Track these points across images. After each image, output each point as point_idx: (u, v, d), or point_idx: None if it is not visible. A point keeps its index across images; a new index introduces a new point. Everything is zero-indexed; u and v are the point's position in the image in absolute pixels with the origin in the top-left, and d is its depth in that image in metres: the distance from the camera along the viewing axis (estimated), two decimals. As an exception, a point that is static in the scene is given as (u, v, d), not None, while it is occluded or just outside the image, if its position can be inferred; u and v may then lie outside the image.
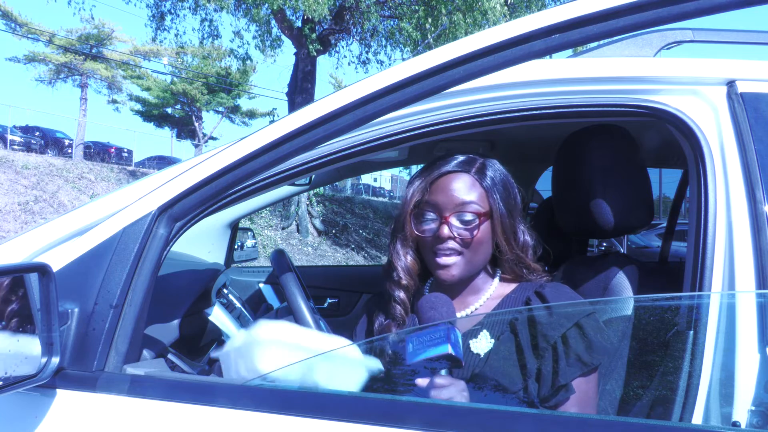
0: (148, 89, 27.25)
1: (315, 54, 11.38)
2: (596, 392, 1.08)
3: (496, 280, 1.21)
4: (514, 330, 1.08)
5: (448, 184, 1.14)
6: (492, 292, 1.19)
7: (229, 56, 13.94)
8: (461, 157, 1.17)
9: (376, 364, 0.97)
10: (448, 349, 0.92)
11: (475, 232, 1.12)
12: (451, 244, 1.12)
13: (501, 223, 1.15)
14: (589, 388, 1.06)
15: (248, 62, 13.46)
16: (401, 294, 1.19)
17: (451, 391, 0.95)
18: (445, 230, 1.11)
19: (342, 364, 0.97)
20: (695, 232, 0.99)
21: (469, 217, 1.12)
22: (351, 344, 1.01)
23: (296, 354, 0.97)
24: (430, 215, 1.14)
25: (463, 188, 1.13)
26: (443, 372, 0.96)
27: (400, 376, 1.08)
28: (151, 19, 12.34)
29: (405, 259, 1.19)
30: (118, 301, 0.96)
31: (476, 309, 1.17)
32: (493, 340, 1.09)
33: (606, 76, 1.08)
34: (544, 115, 1.09)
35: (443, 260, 1.12)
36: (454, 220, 1.12)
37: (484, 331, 1.10)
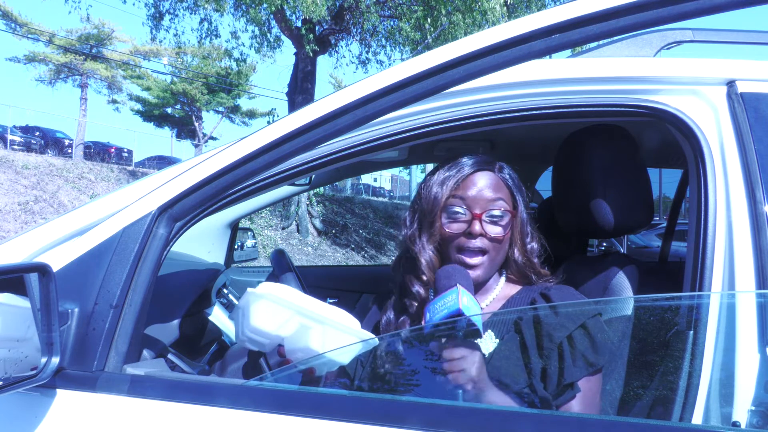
0: (148, 89, 27.25)
1: (312, 55, 11.36)
2: (599, 391, 1.09)
3: (503, 279, 1.22)
4: (519, 330, 1.08)
5: (478, 182, 1.16)
6: (498, 292, 1.20)
7: (226, 58, 13.96)
8: (481, 157, 1.19)
9: (371, 338, 0.98)
10: (459, 309, 0.92)
11: (507, 231, 1.14)
12: (480, 242, 1.13)
13: (521, 223, 1.18)
14: (594, 389, 1.07)
15: (244, 64, 13.45)
16: (421, 290, 1.19)
17: (467, 361, 0.94)
18: (477, 227, 1.12)
19: (336, 329, 0.98)
20: (695, 232, 0.99)
21: (499, 214, 1.14)
22: (346, 313, 1.01)
23: (288, 312, 0.98)
24: (461, 213, 1.15)
25: (493, 186, 1.16)
26: (458, 345, 0.96)
27: (404, 372, 1.08)
28: (149, 18, 12.32)
29: (429, 255, 1.19)
30: (118, 301, 0.96)
31: (482, 309, 1.17)
32: (497, 340, 1.09)
33: (606, 76, 1.08)
34: (544, 115, 1.09)
35: (472, 260, 1.13)
36: (484, 218, 1.13)
37: (489, 331, 1.11)
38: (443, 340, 0.96)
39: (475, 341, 0.99)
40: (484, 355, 0.99)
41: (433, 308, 0.97)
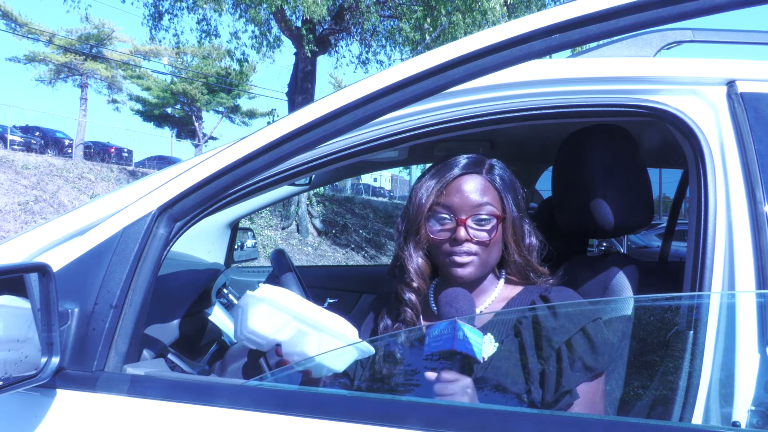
0: (148, 89, 27.25)
1: (310, 55, 11.36)
2: (602, 397, 1.08)
3: (501, 281, 1.21)
4: (519, 334, 1.08)
5: (463, 186, 1.14)
6: (497, 294, 1.19)
7: (226, 58, 13.99)
8: (470, 158, 1.17)
9: (366, 346, 0.98)
10: (453, 346, 0.93)
11: (492, 234, 1.13)
12: (467, 246, 1.12)
13: (512, 224, 1.16)
14: (595, 394, 1.06)
15: (245, 64, 13.45)
16: (412, 297, 1.18)
17: (454, 387, 0.95)
18: (462, 233, 1.11)
19: (332, 337, 0.98)
20: (695, 232, 0.99)
21: (485, 218, 1.12)
22: (345, 321, 1.01)
23: (286, 317, 0.98)
24: (446, 218, 1.14)
25: (478, 190, 1.14)
26: (451, 368, 0.97)
27: (402, 375, 1.08)
28: (148, 18, 12.31)
29: (417, 262, 1.18)
30: (118, 301, 0.96)
31: (481, 312, 1.17)
32: (497, 344, 1.09)
33: (606, 76, 1.08)
34: (544, 115, 1.09)
35: (459, 259, 1.12)
36: (470, 223, 1.12)
37: (489, 334, 1.10)
38: (441, 362, 0.97)
39: (469, 366, 0.99)
40: (473, 381, 0.99)
41: (431, 334, 0.97)
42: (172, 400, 0.91)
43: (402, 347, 1.13)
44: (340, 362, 0.99)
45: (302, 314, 0.98)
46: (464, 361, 0.97)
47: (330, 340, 0.98)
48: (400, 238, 1.21)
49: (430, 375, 0.97)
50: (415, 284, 1.17)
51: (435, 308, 1.21)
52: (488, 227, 1.13)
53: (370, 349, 0.99)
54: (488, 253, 1.14)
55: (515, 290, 1.20)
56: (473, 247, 1.12)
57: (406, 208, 1.22)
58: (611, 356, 1.10)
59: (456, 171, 1.15)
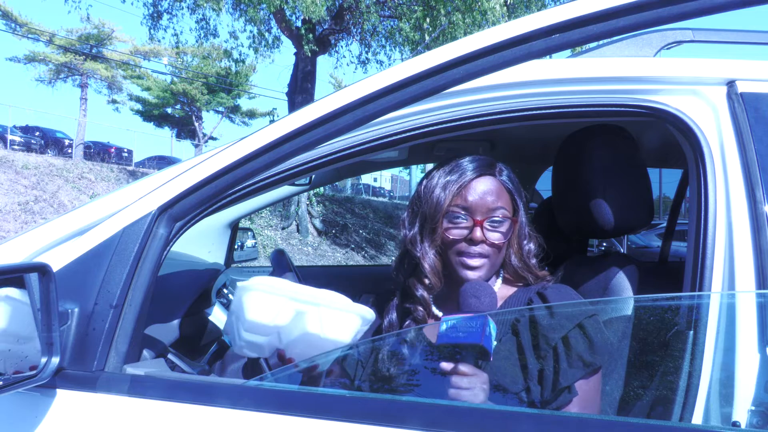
0: (148, 89, 27.24)
1: (309, 54, 11.35)
2: (599, 393, 1.08)
3: (499, 280, 1.22)
4: (516, 331, 1.08)
5: (480, 188, 1.15)
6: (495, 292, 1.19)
7: (226, 59, 13.99)
8: (482, 160, 1.18)
9: (368, 312, 0.98)
10: (480, 341, 0.92)
11: (507, 236, 1.15)
12: (480, 248, 1.13)
13: (519, 226, 1.18)
14: (592, 390, 1.06)
15: (243, 64, 13.46)
16: (425, 294, 1.19)
17: (474, 381, 0.95)
18: (478, 233, 1.12)
19: (331, 309, 0.98)
20: (695, 232, 0.99)
21: (499, 220, 1.14)
22: (339, 294, 1.01)
23: (282, 299, 0.98)
24: (462, 219, 1.15)
25: (494, 192, 1.15)
26: (468, 361, 0.96)
27: (405, 373, 1.08)
28: (147, 17, 12.31)
29: (432, 259, 1.18)
30: (118, 301, 0.96)
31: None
32: (495, 342, 1.09)
33: (606, 76, 1.08)
34: (544, 115, 1.09)
35: (471, 261, 1.13)
36: (486, 224, 1.14)
37: None
38: (456, 354, 0.96)
39: (485, 363, 0.99)
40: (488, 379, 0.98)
41: (451, 325, 0.96)
42: (172, 400, 0.91)
43: (409, 345, 1.13)
44: (345, 333, 0.99)
45: (297, 293, 0.98)
46: (482, 357, 0.97)
47: (329, 312, 0.98)
48: (411, 233, 1.21)
49: (446, 366, 0.96)
50: (427, 281, 1.18)
51: (437, 311, 1.21)
52: (502, 229, 1.14)
53: (372, 316, 0.99)
54: (498, 255, 1.16)
55: (512, 289, 1.20)
56: (486, 249, 1.13)
57: (414, 205, 1.22)
58: (609, 353, 1.10)
59: (472, 173, 1.16)
